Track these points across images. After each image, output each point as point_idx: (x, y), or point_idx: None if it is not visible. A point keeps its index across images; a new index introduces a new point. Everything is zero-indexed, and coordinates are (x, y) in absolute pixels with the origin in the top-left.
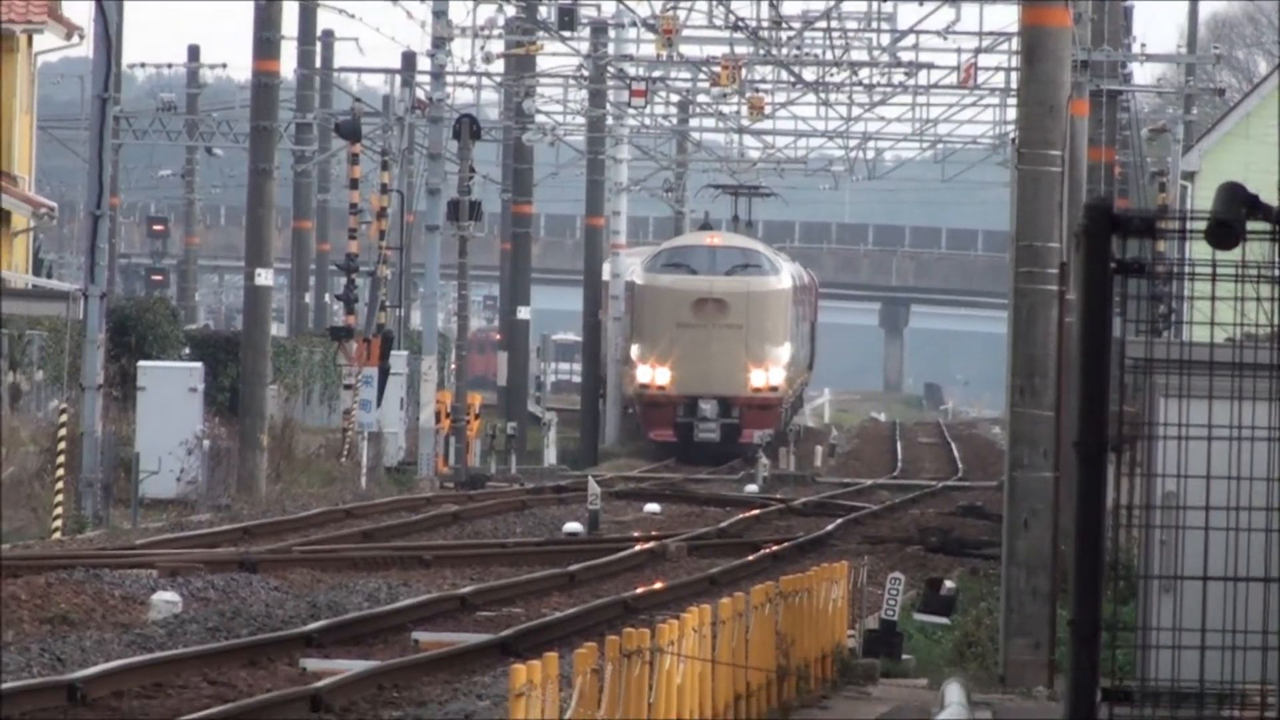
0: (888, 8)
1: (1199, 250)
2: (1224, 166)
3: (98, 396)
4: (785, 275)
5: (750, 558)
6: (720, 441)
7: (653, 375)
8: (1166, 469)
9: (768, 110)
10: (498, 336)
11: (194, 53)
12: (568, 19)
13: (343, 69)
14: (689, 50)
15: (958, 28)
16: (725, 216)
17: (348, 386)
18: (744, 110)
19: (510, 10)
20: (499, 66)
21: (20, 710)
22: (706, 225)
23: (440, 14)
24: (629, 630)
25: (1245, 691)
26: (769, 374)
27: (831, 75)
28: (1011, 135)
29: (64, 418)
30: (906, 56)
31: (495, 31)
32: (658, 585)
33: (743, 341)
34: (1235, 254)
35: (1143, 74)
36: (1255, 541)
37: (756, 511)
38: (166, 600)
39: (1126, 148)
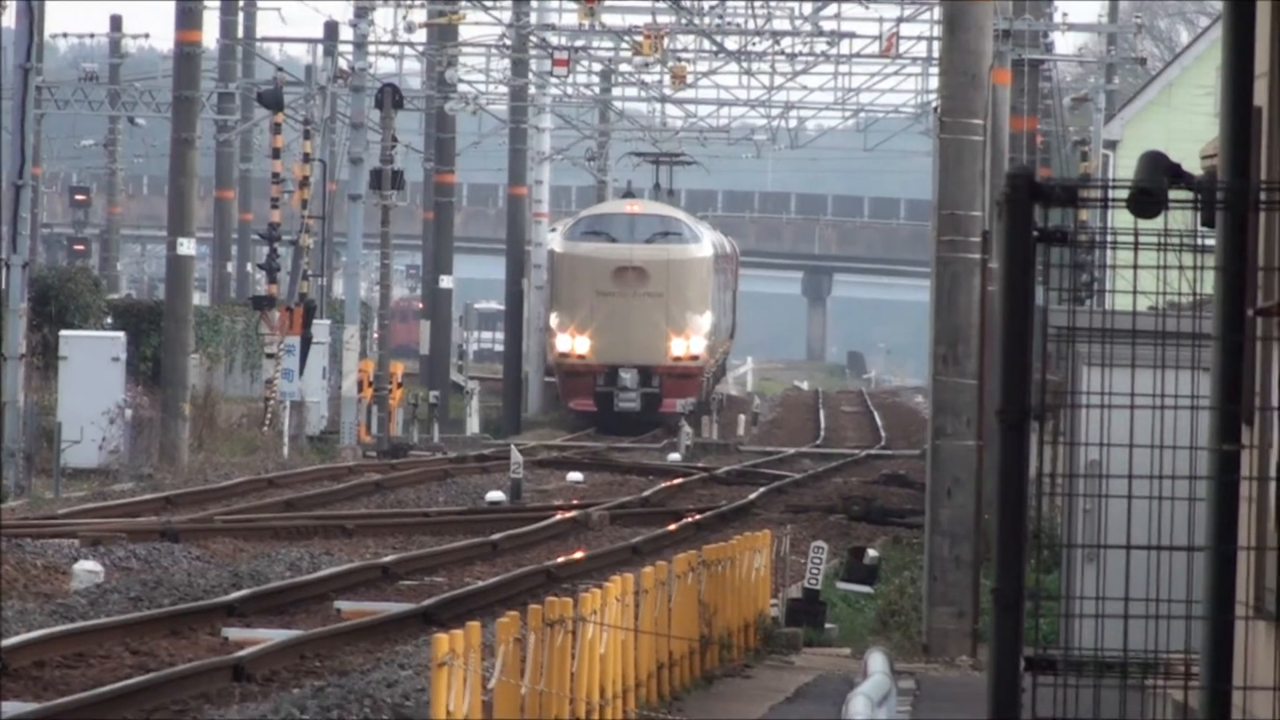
0: None
1: (1121, 219)
2: (1146, 135)
3: (20, 366)
4: (706, 243)
5: (673, 527)
6: (641, 411)
7: (572, 344)
8: (1089, 437)
9: (690, 79)
10: (420, 305)
11: (116, 22)
12: None
13: (265, 39)
14: (611, 19)
15: None
16: (648, 185)
17: (270, 355)
18: (666, 79)
19: None
20: (421, 36)
21: None
22: (629, 194)
23: None
24: (552, 599)
25: (1169, 661)
26: (689, 343)
27: (754, 44)
28: (934, 104)
29: None
30: (828, 26)
31: (418, 1)
32: (580, 554)
33: (663, 310)
34: (1157, 223)
35: (1065, 43)
36: (1179, 510)
37: (679, 480)
38: (88, 570)
39: (1049, 117)
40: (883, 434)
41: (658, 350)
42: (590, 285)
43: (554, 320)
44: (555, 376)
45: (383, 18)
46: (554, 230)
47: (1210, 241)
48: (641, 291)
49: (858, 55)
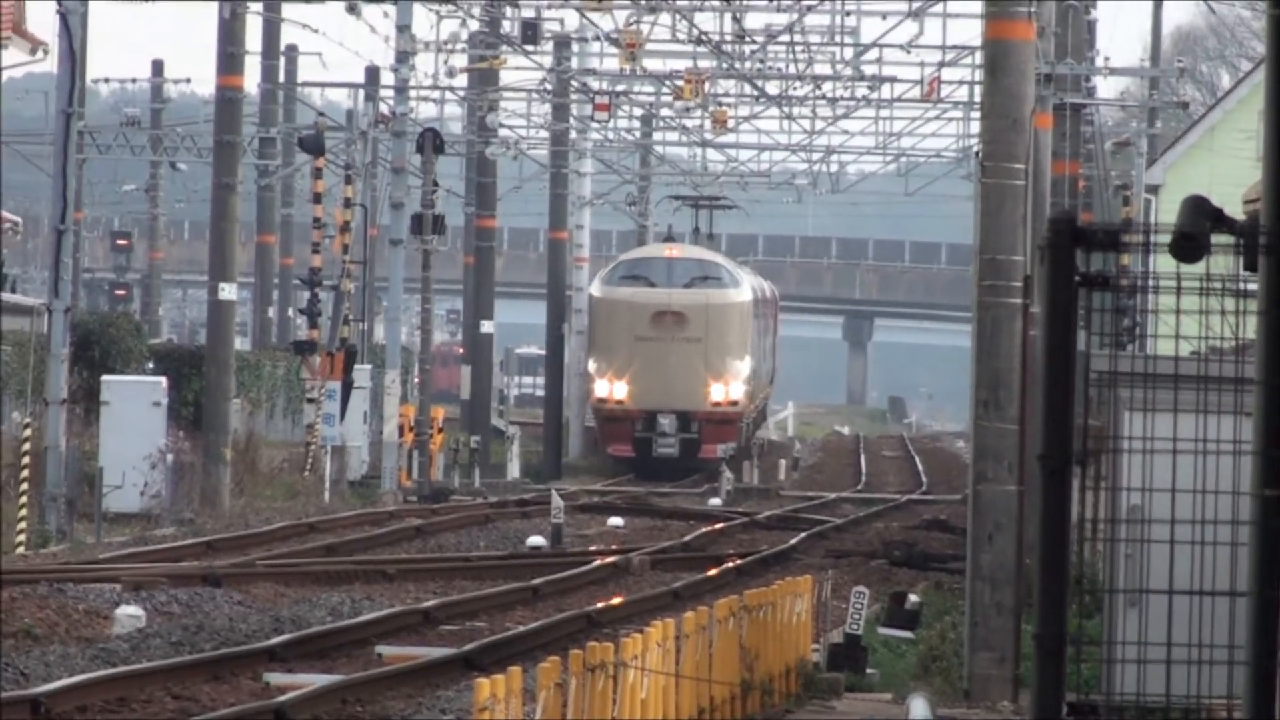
0: (851, 21)
1: (1163, 263)
2: (1188, 180)
3: (61, 411)
4: (745, 287)
5: (714, 572)
6: (679, 457)
7: (610, 389)
8: (1131, 482)
9: (731, 124)
10: (461, 350)
11: (158, 67)
12: (531, 33)
13: (306, 83)
14: (652, 64)
15: (921, 41)
16: (688, 230)
17: (311, 400)
18: (707, 124)
19: (474, 25)
20: (462, 80)
21: None
22: (670, 238)
23: (404, 28)
24: (592, 644)
25: (1211, 705)
26: (729, 388)
27: (795, 89)
28: (975, 149)
29: (28, 432)
30: (870, 70)
31: (459, 46)
32: (621, 599)
33: (702, 355)
34: (1199, 267)
35: (1106, 87)
36: (1220, 555)
37: (720, 525)
38: (130, 614)
39: (1090, 161)
40: (924, 479)
41: (696, 395)
42: (628, 330)
43: (592, 365)
44: (594, 422)
45: (424, 62)
46: (581, 269)
47: (1253, 286)
48: (680, 336)
49: (899, 100)
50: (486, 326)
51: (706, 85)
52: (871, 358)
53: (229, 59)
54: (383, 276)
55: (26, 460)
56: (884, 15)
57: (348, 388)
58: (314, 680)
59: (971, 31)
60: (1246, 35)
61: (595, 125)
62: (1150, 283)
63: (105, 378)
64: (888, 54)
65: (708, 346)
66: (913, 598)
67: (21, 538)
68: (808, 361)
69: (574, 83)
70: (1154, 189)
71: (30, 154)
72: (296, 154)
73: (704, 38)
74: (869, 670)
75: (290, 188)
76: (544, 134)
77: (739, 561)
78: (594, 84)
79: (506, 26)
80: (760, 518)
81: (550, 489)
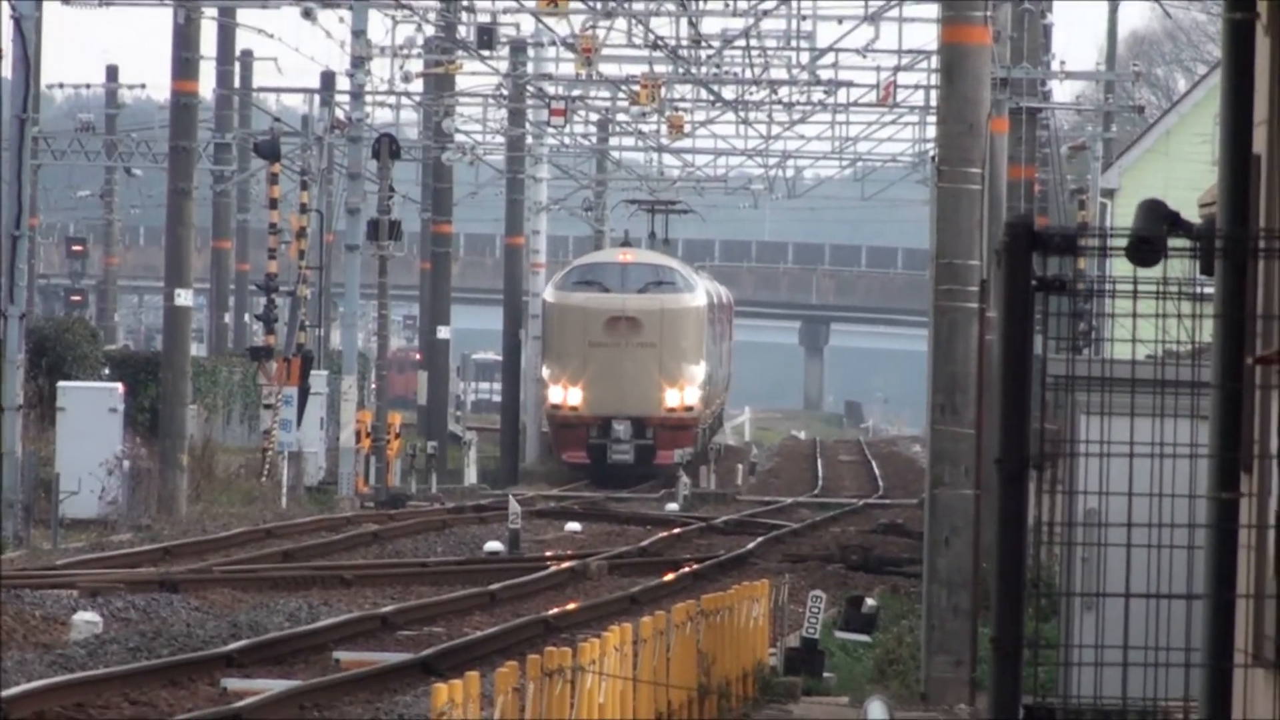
0: (807, 26)
1: (1119, 267)
2: (1144, 184)
3: (17, 417)
4: (700, 292)
5: (671, 576)
6: (634, 463)
7: (564, 396)
8: (1088, 486)
9: (687, 129)
10: (418, 356)
11: (112, 73)
12: (487, 38)
13: (261, 89)
14: (608, 69)
15: (877, 46)
16: (645, 235)
17: (268, 406)
18: (664, 129)
19: (429, 30)
20: (418, 86)
21: None
22: (626, 243)
23: (359, 34)
24: (550, 649)
25: (1168, 709)
26: (684, 393)
27: (751, 94)
28: (931, 153)
29: None
30: (826, 75)
31: (414, 51)
32: (578, 604)
33: (657, 360)
34: (1156, 271)
35: (1062, 91)
36: (1177, 558)
37: (677, 530)
38: (87, 620)
39: (1046, 165)
40: (880, 483)
41: (651, 401)
42: (582, 336)
43: (546, 371)
44: (549, 428)
45: (379, 68)
46: (537, 274)
47: (1209, 289)
48: (634, 342)
49: (855, 104)
50: (443, 332)
51: (663, 90)
52: (828, 362)
53: (184, 64)
54: (339, 282)
55: None
56: (840, 20)
57: (304, 393)
58: (271, 686)
59: (927, 36)
60: (1202, 39)
61: (551, 130)
62: (1107, 287)
63: (61, 384)
64: (844, 58)
65: (662, 352)
66: (869, 601)
67: None
68: (764, 366)
69: (530, 88)
70: (1110, 193)
71: None
72: (252, 159)
73: (660, 43)
74: (826, 674)
75: (246, 193)
76: (500, 139)
77: (696, 566)
78: (550, 89)
79: (462, 31)
80: (717, 522)
81: (508, 494)
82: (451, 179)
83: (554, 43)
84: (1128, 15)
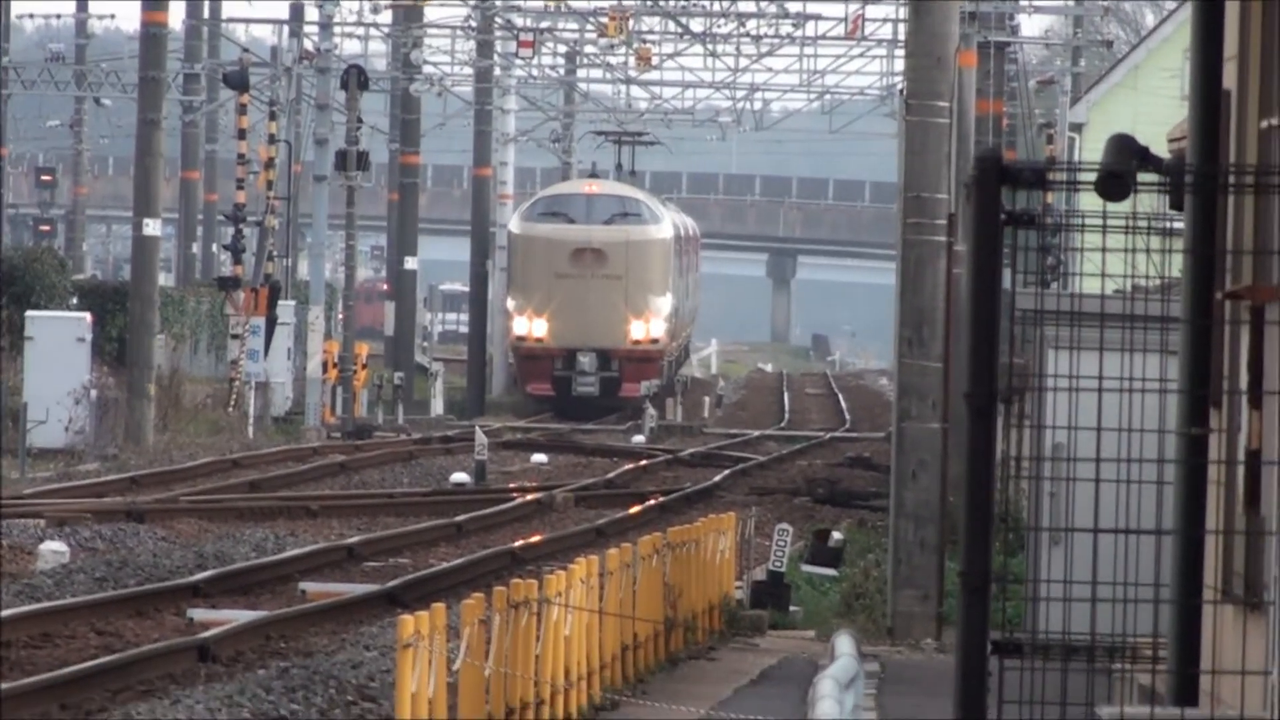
0: None
1: (1088, 202)
2: (1112, 119)
3: None
4: (666, 224)
5: (637, 509)
6: (599, 395)
7: (529, 327)
8: (1056, 421)
9: (655, 61)
10: (385, 287)
11: (83, 3)
12: None
13: (231, 19)
14: (576, 2)
15: None
16: (613, 167)
17: (235, 336)
18: (631, 61)
19: None
20: (387, 17)
21: None
22: (594, 175)
23: None
24: (516, 581)
25: (1136, 645)
26: (649, 325)
27: (719, 26)
28: (899, 87)
29: None
30: (794, 8)
31: None
32: (544, 536)
33: (622, 292)
34: (1125, 206)
35: (1030, 25)
36: (1146, 494)
37: (644, 462)
38: (54, 550)
39: (1014, 99)
40: (847, 417)
41: (617, 333)
42: (547, 267)
43: (511, 303)
44: (513, 360)
45: None
46: (505, 205)
47: (1178, 225)
48: (600, 273)
49: (823, 37)
50: (410, 263)
51: (630, 22)
52: (795, 295)
53: None
54: (306, 213)
55: None
56: None
57: (271, 324)
58: (238, 616)
59: None
60: None
61: (519, 62)
62: (1076, 221)
63: (29, 313)
64: None
65: (628, 284)
66: (836, 535)
67: None
68: (731, 299)
69: (498, 20)
70: (1078, 128)
71: None
72: (221, 90)
73: None
74: (792, 608)
75: (215, 124)
76: (468, 71)
77: (662, 499)
78: (518, 21)
79: None
80: (684, 455)
81: (474, 426)
82: (419, 110)
83: None
84: None
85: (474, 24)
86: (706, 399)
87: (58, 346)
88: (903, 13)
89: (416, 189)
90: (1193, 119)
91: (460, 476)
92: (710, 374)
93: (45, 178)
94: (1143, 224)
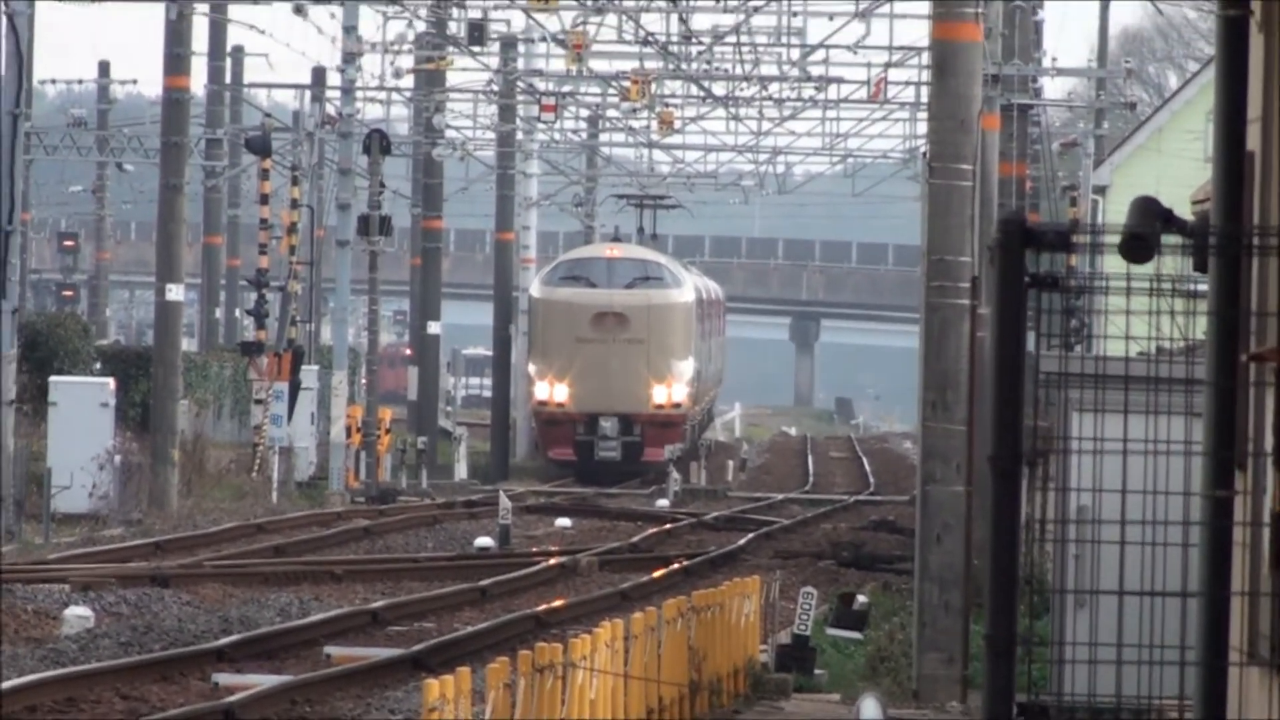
0: (797, 22)
1: (1112, 264)
2: (1135, 181)
3: (9, 412)
4: (688, 287)
5: (661, 572)
6: (621, 460)
7: (551, 392)
8: (1080, 483)
9: (678, 125)
10: (408, 351)
11: (105, 68)
12: (477, 34)
13: (253, 84)
14: (599, 65)
15: (868, 42)
16: (635, 230)
17: (258, 401)
18: (654, 125)
19: (420, 26)
20: (409, 82)
21: None
22: (616, 238)
23: (350, 30)
24: (541, 645)
25: (1162, 707)
26: (671, 390)
27: (741, 90)
28: (922, 149)
29: None
30: (816, 71)
31: (405, 47)
32: (569, 600)
33: (644, 356)
34: (1148, 268)
35: (1054, 88)
36: (1171, 555)
37: (668, 526)
38: (79, 615)
39: (1038, 162)
40: (871, 480)
41: (639, 398)
42: (569, 331)
43: (532, 368)
44: (535, 424)
45: (370, 63)
46: (528, 269)
47: (1202, 287)
48: (621, 338)
49: (846, 100)
50: (434, 327)
51: (653, 86)
52: (819, 359)
53: (175, 60)
54: (329, 277)
55: None
56: (830, 16)
57: (295, 389)
58: (263, 681)
59: (919, 32)
60: (1193, 36)
61: (542, 126)
62: (1099, 283)
63: (53, 379)
64: (834, 55)
65: (650, 348)
66: (861, 598)
67: None
68: (755, 362)
69: (520, 84)
70: (1101, 190)
71: None
72: (243, 155)
73: (650, 39)
74: (817, 671)
75: (237, 189)
76: (490, 135)
77: (687, 562)
78: (540, 85)
79: (453, 27)
80: (708, 518)
81: (498, 490)
82: (442, 174)
83: (545, 39)
84: (1119, 12)
85: (496, 88)
86: (730, 462)
87: (81, 412)
88: (925, 76)
89: (439, 253)
90: (1216, 181)
91: (484, 541)
92: (734, 437)
93: (68, 243)
94: (1166, 286)
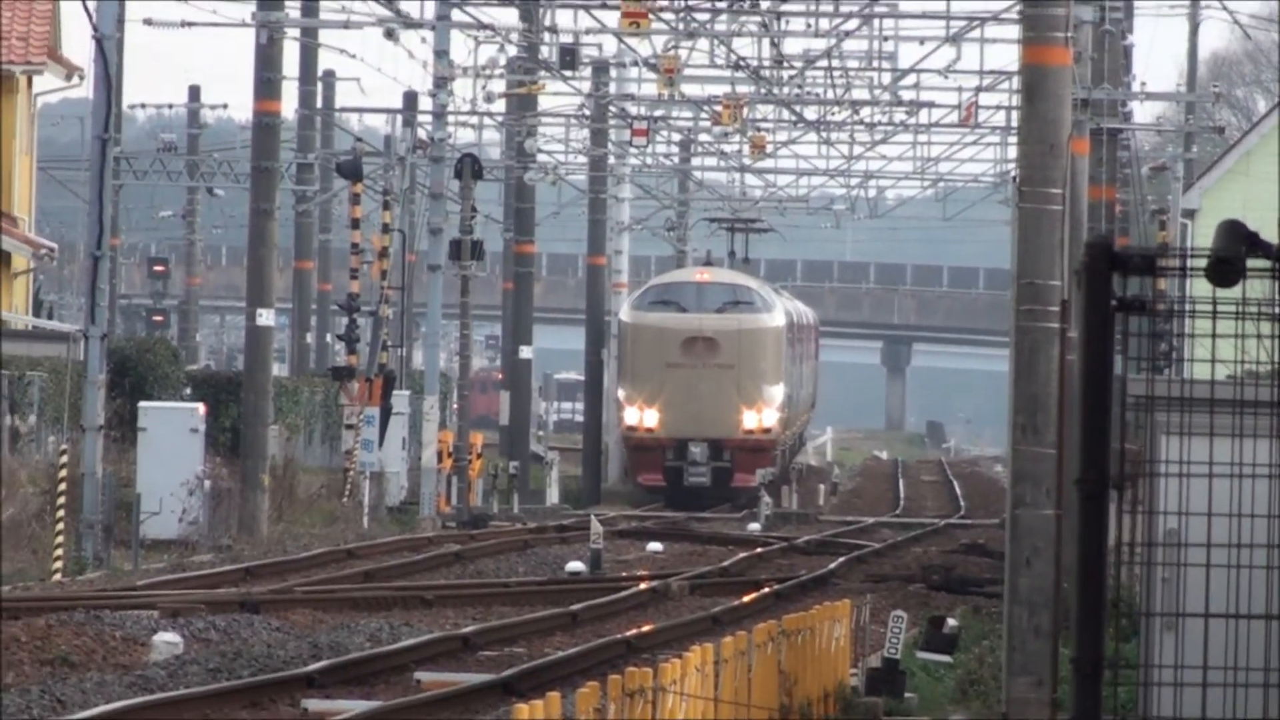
0: (889, 47)
1: (1199, 288)
2: (1224, 204)
3: (98, 437)
4: (779, 312)
5: (752, 596)
6: (711, 486)
7: (640, 417)
8: (1168, 506)
9: (769, 149)
10: (500, 376)
11: (195, 93)
12: (569, 59)
13: (344, 109)
14: (690, 89)
15: (958, 67)
16: (727, 254)
17: (349, 426)
18: (746, 149)
19: (512, 50)
20: (500, 106)
21: None
22: (708, 263)
23: (441, 54)
24: (631, 669)
25: None
26: (761, 415)
27: (833, 114)
28: (1012, 173)
29: (65, 459)
30: (907, 95)
31: (497, 71)
32: (659, 624)
33: (734, 381)
34: (1235, 291)
35: (1143, 112)
36: (1257, 578)
37: (759, 550)
38: (167, 641)
39: (1127, 186)
40: (962, 503)
41: (729, 423)
42: (658, 356)
43: (622, 393)
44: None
45: (462, 88)
46: (619, 294)
47: None
48: (711, 362)
49: (936, 125)
50: (525, 352)
51: (745, 110)
52: (910, 382)
53: (266, 84)
54: (421, 302)
55: (63, 487)
56: (921, 40)
57: (386, 414)
58: (353, 707)
59: (1009, 57)
60: None
61: (633, 150)
62: (1187, 307)
63: (142, 404)
64: (925, 79)
65: (740, 372)
66: (951, 622)
67: (58, 565)
68: (846, 386)
69: (612, 108)
70: (1190, 213)
71: (66, 180)
72: (334, 179)
73: (742, 63)
74: (907, 694)
75: (328, 213)
76: (582, 159)
77: (777, 586)
78: (632, 109)
79: (545, 52)
80: (799, 542)
81: (589, 514)
82: (534, 199)
83: (636, 63)
84: (1208, 36)
85: (588, 112)
86: (821, 486)
87: (171, 437)
88: (1015, 100)
89: (531, 278)
90: None
91: (576, 565)
92: (825, 461)
93: (158, 268)
94: (1253, 309)
